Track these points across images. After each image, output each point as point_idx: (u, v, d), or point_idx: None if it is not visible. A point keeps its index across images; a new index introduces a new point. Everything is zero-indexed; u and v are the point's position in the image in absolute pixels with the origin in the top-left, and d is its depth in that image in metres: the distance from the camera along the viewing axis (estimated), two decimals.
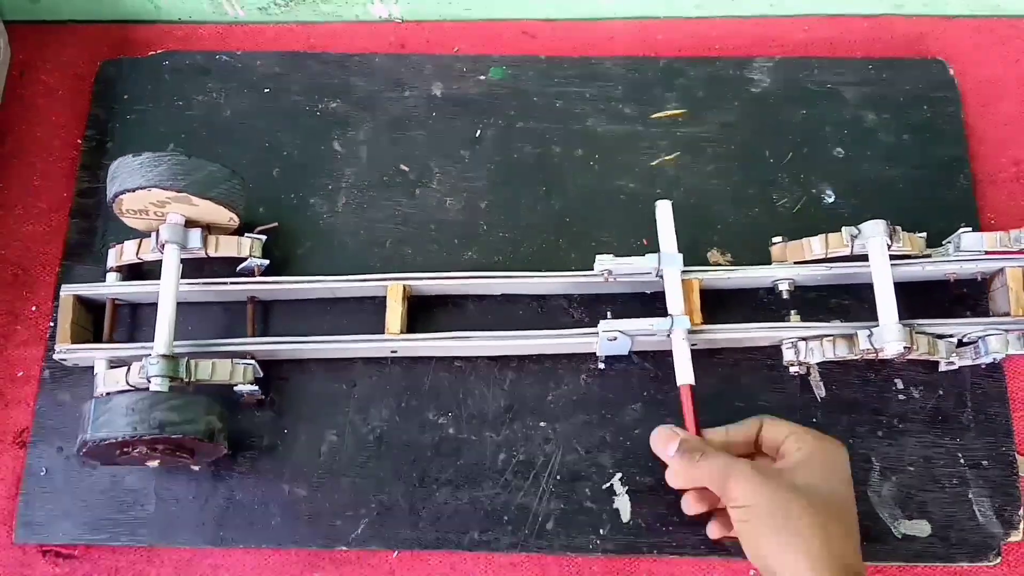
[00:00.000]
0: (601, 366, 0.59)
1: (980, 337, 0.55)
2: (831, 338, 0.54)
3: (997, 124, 0.66)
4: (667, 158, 0.65)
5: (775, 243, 0.59)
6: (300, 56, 0.69)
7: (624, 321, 0.54)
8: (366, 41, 0.71)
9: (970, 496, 0.56)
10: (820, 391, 0.59)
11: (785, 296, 0.58)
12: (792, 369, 0.57)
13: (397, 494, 0.57)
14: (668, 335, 0.54)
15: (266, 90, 0.68)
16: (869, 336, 0.53)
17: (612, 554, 0.56)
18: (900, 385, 0.59)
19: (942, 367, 0.57)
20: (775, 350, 0.58)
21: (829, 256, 0.56)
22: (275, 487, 0.57)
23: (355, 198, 0.64)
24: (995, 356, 0.55)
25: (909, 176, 0.64)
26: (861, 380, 0.59)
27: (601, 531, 0.56)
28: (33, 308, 0.63)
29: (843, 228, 0.55)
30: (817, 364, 0.58)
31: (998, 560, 0.55)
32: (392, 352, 0.58)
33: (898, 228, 0.55)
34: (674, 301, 0.54)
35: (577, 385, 0.59)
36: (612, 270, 0.55)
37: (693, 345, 0.56)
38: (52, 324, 0.61)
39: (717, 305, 0.59)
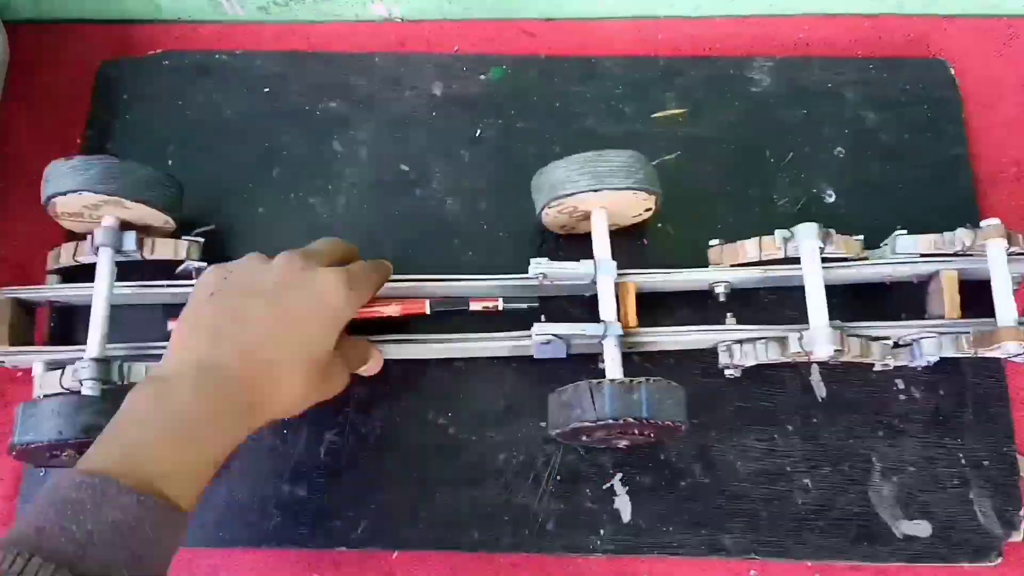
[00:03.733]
0: (601, 366, 0.59)
1: (914, 339, 0.55)
2: (764, 341, 0.54)
3: (997, 124, 0.66)
4: (667, 158, 0.65)
5: (712, 245, 0.59)
6: (300, 56, 0.69)
7: (558, 325, 0.54)
8: (366, 41, 0.71)
9: (971, 496, 0.56)
10: (820, 391, 0.58)
11: (722, 299, 0.57)
12: (727, 372, 0.56)
13: (397, 494, 0.57)
14: (601, 340, 0.54)
15: (266, 90, 0.68)
16: (800, 339, 0.53)
17: (612, 554, 0.56)
18: (900, 385, 0.59)
19: (877, 367, 0.57)
20: None
21: (764, 259, 0.56)
22: (275, 487, 0.57)
23: (355, 198, 0.64)
24: (928, 359, 0.55)
25: (909, 176, 0.64)
26: (861, 380, 0.59)
27: (601, 531, 0.56)
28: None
29: (776, 231, 0.55)
30: (819, 366, 0.58)
31: (999, 560, 0.55)
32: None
33: (831, 231, 0.55)
34: (607, 308, 0.54)
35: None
36: (547, 274, 0.55)
37: (630, 348, 0.57)
38: (51, 324, 0.61)
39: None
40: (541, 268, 0.55)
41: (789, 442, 0.57)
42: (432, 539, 0.56)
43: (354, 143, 0.66)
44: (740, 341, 0.55)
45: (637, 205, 0.57)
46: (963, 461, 0.57)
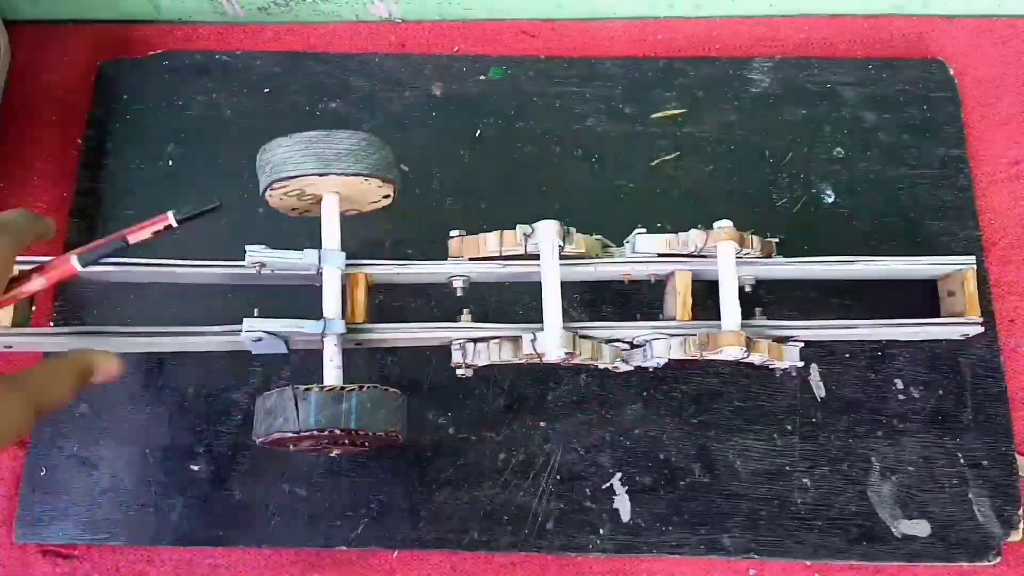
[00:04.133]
0: (602, 365, 0.59)
1: (647, 341, 0.54)
2: (498, 341, 0.52)
3: (997, 124, 0.66)
4: (667, 158, 0.65)
5: (453, 236, 0.55)
6: (300, 56, 0.69)
7: (271, 321, 0.50)
8: (366, 41, 0.71)
9: (970, 496, 0.56)
10: (820, 391, 0.59)
11: (459, 293, 0.55)
12: (459, 372, 0.54)
13: (397, 494, 0.57)
14: (321, 337, 0.50)
15: (266, 90, 0.68)
16: (532, 340, 0.51)
17: (612, 554, 0.56)
18: (900, 385, 0.59)
19: (611, 369, 0.55)
20: None
21: (504, 254, 0.54)
22: (275, 487, 0.57)
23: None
24: (658, 361, 0.54)
25: (909, 176, 0.64)
26: (861, 380, 0.59)
27: (601, 531, 0.56)
28: (32, 308, 0.63)
29: (517, 226, 0.53)
30: (817, 365, 0.59)
31: (998, 560, 0.55)
32: (7, 347, 0.54)
33: (572, 229, 0.53)
34: (331, 303, 0.51)
35: (577, 385, 0.59)
36: (265, 263, 0.51)
37: (358, 344, 0.54)
38: (52, 323, 0.61)
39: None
40: (258, 256, 0.51)
41: (788, 442, 0.57)
42: (432, 539, 0.56)
43: None
44: (474, 340, 0.53)
45: (372, 192, 0.53)
46: (962, 461, 0.57)
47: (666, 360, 0.54)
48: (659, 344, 0.53)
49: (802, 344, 0.54)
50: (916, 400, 0.58)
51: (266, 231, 0.63)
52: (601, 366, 0.54)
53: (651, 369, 0.56)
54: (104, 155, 0.66)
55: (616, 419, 0.58)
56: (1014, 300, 0.62)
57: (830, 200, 0.63)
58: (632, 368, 0.55)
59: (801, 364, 0.54)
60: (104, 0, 0.70)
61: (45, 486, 0.58)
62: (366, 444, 0.50)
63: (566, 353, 0.51)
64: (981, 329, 0.56)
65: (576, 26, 0.71)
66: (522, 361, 0.52)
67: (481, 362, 0.53)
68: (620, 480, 0.57)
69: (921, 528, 0.56)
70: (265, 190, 0.52)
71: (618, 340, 0.55)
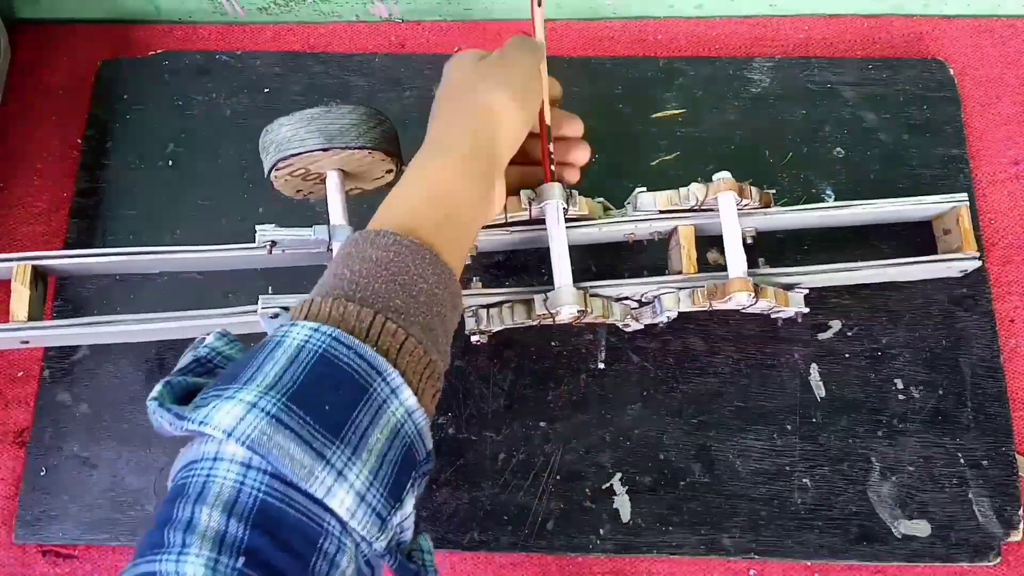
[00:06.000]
0: (601, 366, 0.59)
1: (655, 296, 0.55)
2: (510, 304, 0.53)
3: (997, 124, 0.66)
4: (667, 158, 0.65)
5: None
6: (300, 56, 0.69)
7: (287, 297, 0.52)
8: (366, 41, 0.71)
9: (970, 496, 0.56)
10: (820, 391, 0.59)
11: (467, 262, 0.54)
12: (474, 339, 0.54)
13: None
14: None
15: (266, 90, 0.68)
16: (545, 300, 0.52)
17: (612, 554, 0.56)
18: (900, 385, 0.59)
19: (622, 327, 0.56)
20: (775, 350, 0.59)
21: (509, 220, 0.54)
22: None
23: (355, 198, 0.64)
24: (668, 314, 0.54)
25: (909, 176, 0.64)
26: (861, 380, 0.59)
27: (601, 531, 0.56)
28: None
29: (521, 191, 0.53)
30: (816, 364, 0.59)
31: (998, 560, 0.55)
32: (23, 343, 0.55)
33: (575, 192, 0.54)
34: None
35: (577, 385, 0.59)
36: (277, 241, 0.52)
37: None
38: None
39: None
40: (269, 235, 0.52)
41: (788, 442, 0.57)
42: (432, 539, 0.56)
43: None
44: (487, 306, 0.54)
45: (376, 167, 0.53)
46: (962, 461, 0.57)
47: (675, 314, 0.54)
48: (668, 298, 0.54)
49: (807, 291, 0.55)
50: (916, 400, 0.58)
51: None
52: (612, 323, 0.55)
53: (660, 326, 0.56)
54: (104, 155, 0.66)
55: (616, 419, 0.58)
56: (1014, 300, 0.62)
57: (830, 200, 0.63)
58: (642, 326, 0.56)
59: (807, 311, 0.55)
60: (104, 0, 0.71)
61: (45, 486, 0.58)
62: None
63: (578, 311, 0.51)
64: (979, 263, 0.57)
65: (576, 26, 0.71)
66: (535, 323, 0.53)
67: (495, 327, 0.53)
68: (620, 480, 0.57)
69: (921, 528, 0.56)
70: (270, 171, 0.52)
71: (627, 299, 0.55)
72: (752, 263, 0.55)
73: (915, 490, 0.56)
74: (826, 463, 0.57)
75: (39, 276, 0.56)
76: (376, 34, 0.71)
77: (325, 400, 0.34)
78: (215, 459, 0.33)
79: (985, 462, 0.57)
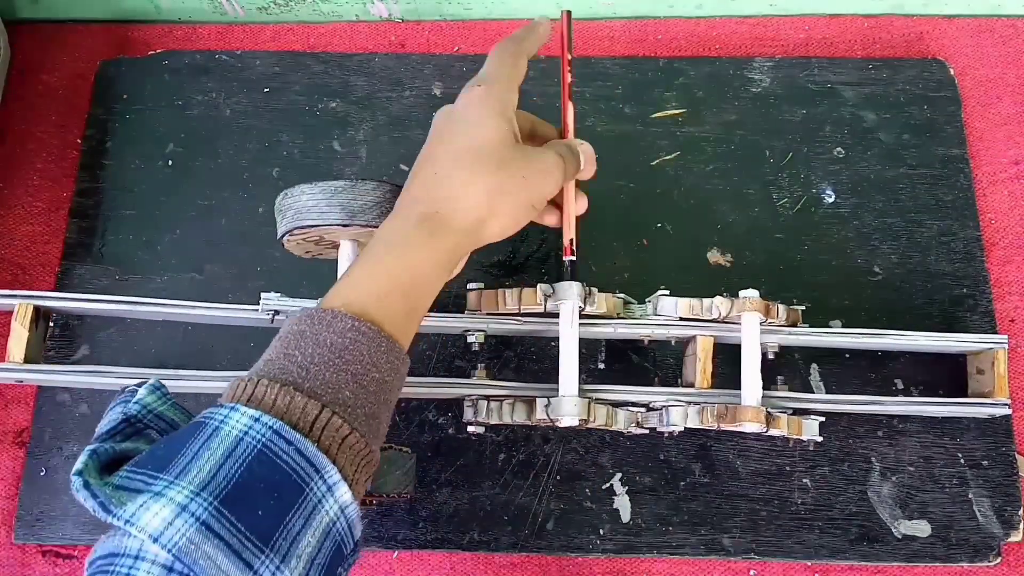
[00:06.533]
0: (601, 366, 0.59)
1: (664, 406, 0.53)
2: (511, 401, 0.52)
3: (997, 124, 0.66)
4: (667, 158, 0.65)
5: (471, 289, 0.55)
6: (300, 56, 0.69)
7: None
8: (366, 41, 0.71)
9: (970, 496, 0.56)
10: (820, 391, 0.59)
11: (475, 348, 0.54)
12: (471, 428, 0.53)
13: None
14: None
15: (266, 90, 0.68)
16: (547, 406, 0.50)
17: (612, 554, 0.56)
18: (900, 385, 0.59)
19: (626, 432, 0.55)
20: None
21: (523, 311, 0.53)
22: None
23: None
24: (673, 428, 0.52)
25: (909, 176, 0.64)
26: (861, 380, 0.59)
27: (601, 531, 0.56)
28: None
29: (538, 285, 0.51)
30: (817, 365, 0.59)
31: (998, 560, 0.55)
32: (18, 381, 0.55)
33: (594, 290, 0.52)
34: None
35: None
36: (280, 311, 0.52)
37: None
38: (51, 324, 0.61)
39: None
40: (273, 304, 0.51)
41: (788, 442, 0.57)
42: (432, 539, 0.56)
43: (354, 143, 0.66)
44: (487, 397, 0.53)
45: None
46: (962, 461, 0.57)
47: (681, 429, 0.53)
48: (676, 412, 0.52)
49: (822, 419, 0.53)
50: (916, 400, 0.58)
51: (266, 232, 0.63)
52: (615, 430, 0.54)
53: (665, 435, 0.55)
54: (104, 155, 0.66)
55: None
56: (1014, 300, 0.62)
57: (830, 200, 0.63)
58: (647, 431, 0.54)
59: (820, 439, 0.53)
60: (104, 0, 0.70)
61: (45, 486, 0.58)
62: (374, 503, 0.50)
63: (580, 420, 0.50)
64: (1009, 412, 0.54)
65: (576, 26, 0.71)
66: (533, 424, 0.52)
67: (493, 421, 0.52)
68: (620, 480, 0.57)
69: (921, 528, 0.56)
70: (284, 235, 0.51)
71: (635, 404, 0.54)
72: (770, 381, 0.53)
73: (915, 490, 0.56)
74: (826, 463, 0.57)
75: (40, 315, 0.56)
76: (376, 34, 0.71)
77: (259, 504, 0.33)
78: (136, 558, 0.32)
79: (985, 462, 0.57)
